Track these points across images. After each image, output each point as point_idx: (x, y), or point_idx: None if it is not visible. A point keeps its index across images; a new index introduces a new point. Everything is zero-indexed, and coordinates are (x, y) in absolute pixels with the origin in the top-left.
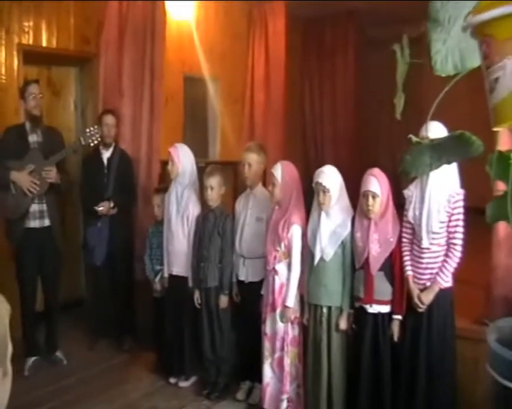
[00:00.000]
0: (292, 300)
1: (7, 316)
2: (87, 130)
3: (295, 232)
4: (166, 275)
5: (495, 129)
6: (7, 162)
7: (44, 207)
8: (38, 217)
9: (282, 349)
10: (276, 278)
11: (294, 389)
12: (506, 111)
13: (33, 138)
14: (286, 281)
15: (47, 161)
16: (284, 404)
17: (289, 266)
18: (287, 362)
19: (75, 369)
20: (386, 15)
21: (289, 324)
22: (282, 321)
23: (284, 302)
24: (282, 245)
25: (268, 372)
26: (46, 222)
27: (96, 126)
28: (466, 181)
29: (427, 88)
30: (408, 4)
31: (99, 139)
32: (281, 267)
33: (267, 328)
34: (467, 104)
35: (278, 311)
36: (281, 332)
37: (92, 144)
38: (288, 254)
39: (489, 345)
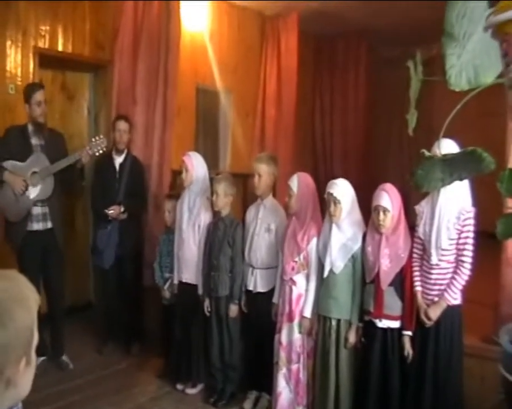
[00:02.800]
0: (309, 311)
1: (36, 306)
2: (93, 139)
3: (315, 244)
4: (175, 281)
5: None
6: (8, 162)
7: (47, 209)
8: (41, 220)
9: (298, 360)
10: (294, 288)
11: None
12: None
13: (35, 140)
14: (304, 292)
15: (52, 165)
16: None
17: (307, 277)
18: (304, 373)
19: (83, 371)
20: (397, 36)
21: (306, 335)
22: (300, 332)
23: (302, 313)
24: (301, 256)
25: (281, 382)
26: (49, 224)
27: (102, 136)
28: (475, 205)
29: (437, 108)
30: (420, 27)
31: (104, 149)
32: (299, 278)
33: (283, 338)
34: (478, 128)
35: (296, 321)
36: (298, 342)
37: (97, 153)
38: (307, 265)
39: (502, 347)
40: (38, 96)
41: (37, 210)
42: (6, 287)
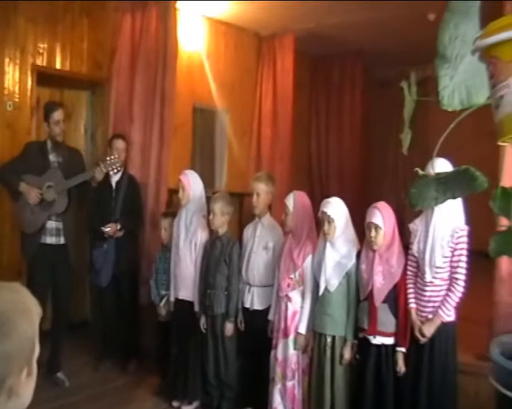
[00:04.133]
0: (304, 327)
1: (38, 319)
2: (108, 158)
3: (310, 262)
4: (172, 299)
5: (500, 142)
6: (26, 175)
7: (61, 225)
8: (55, 234)
9: (293, 377)
10: (289, 304)
11: None
12: (510, 125)
13: (53, 157)
14: (300, 309)
15: (67, 181)
16: None
17: (302, 294)
18: (299, 390)
19: (80, 388)
20: (392, 56)
21: (301, 352)
22: (295, 348)
23: (297, 329)
24: (297, 273)
25: (277, 398)
26: (62, 240)
27: (116, 155)
28: (469, 224)
29: (432, 128)
30: (415, 47)
31: (119, 168)
32: (294, 295)
33: (278, 353)
34: (472, 148)
35: (291, 337)
36: (293, 359)
37: (111, 172)
38: (302, 282)
39: (492, 358)
40: (57, 115)
41: (51, 224)
42: (10, 299)
